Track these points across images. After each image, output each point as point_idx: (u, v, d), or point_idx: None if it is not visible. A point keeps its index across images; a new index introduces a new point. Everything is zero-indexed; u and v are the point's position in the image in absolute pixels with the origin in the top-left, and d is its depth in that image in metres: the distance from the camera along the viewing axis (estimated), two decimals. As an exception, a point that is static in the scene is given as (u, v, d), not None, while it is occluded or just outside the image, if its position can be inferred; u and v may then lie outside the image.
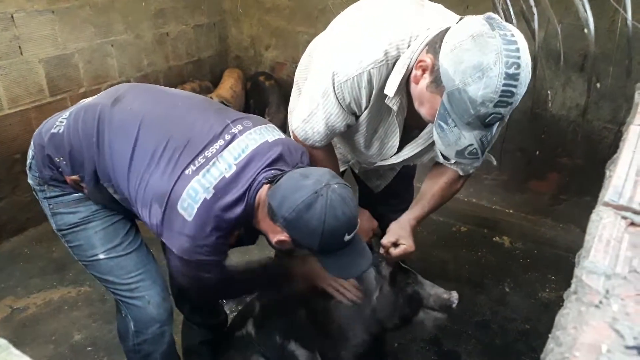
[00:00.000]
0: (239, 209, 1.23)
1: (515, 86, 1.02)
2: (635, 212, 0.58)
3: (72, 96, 2.75)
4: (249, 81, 3.55)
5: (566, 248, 2.58)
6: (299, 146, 1.41)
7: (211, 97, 3.14)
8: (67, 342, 2.09)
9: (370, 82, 1.27)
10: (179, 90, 1.58)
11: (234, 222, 1.25)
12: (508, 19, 1.91)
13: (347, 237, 1.19)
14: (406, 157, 1.51)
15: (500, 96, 1.02)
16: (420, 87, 1.17)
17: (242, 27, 3.63)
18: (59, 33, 2.61)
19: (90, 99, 1.48)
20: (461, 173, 1.53)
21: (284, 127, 1.77)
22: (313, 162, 1.46)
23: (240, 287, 1.59)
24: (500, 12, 1.91)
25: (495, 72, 1.00)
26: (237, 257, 2.43)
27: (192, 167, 1.23)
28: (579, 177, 2.65)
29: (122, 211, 1.47)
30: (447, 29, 1.12)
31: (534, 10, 1.78)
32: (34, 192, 1.51)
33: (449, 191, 1.57)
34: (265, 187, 1.23)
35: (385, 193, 1.84)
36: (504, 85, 1.00)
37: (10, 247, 2.55)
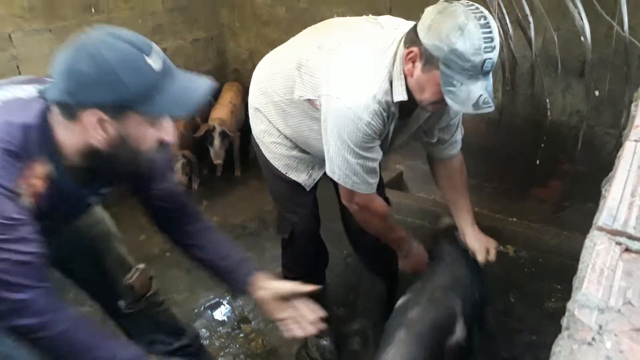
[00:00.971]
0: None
1: (491, 31, 1.20)
2: (630, 238, 0.56)
3: (71, 114, 2.75)
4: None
5: (571, 256, 2.50)
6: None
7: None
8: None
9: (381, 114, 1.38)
10: None
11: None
12: (504, 28, 1.90)
13: (153, 64, 0.98)
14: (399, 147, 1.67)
15: (484, 42, 1.19)
16: (416, 75, 1.30)
17: (240, 41, 3.63)
18: (56, 52, 2.61)
19: None
20: (454, 152, 1.72)
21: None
22: (374, 218, 1.66)
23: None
24: (496, 20, 1.90)
25: (470, 25, 1.18)
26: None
27: None
28: (582, 183, 2.62)
29: None
30: (413, 25, 1.31)
31: (530, 19, 1.77)
32: None
33: (463, 174, 1.77)
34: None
35: None
36: (483, 33, 1.18)
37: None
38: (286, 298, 1.35)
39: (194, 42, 3.44)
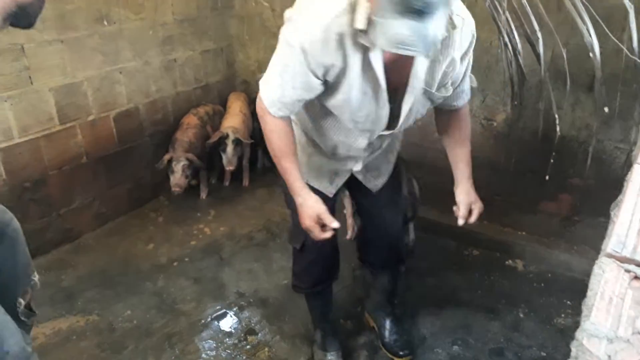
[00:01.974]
0: None
1: None
2: (639, 265, 0.55)
3: (81, 124, 2.78)
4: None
5: (581, 271, 2.51)
6: None
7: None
8: (75, 374, 2.08)
9: (340, 35, 1.26)
10: None
11: None
12: (512, 43, 1.89)
13: None
14: (405, 113, 1.48)
15: None
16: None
17: (249, 52, 3.66)
18: (68, 62, 2.64)
19: None
20: (460, 102, 1.62)
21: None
22: (271, 132, 1.50)
23: None
24: (505, 35, 1.90)
25: None
26: (247, 285, 2.43)
27: None
28: (592, 197, 2.59)
29: None
30: None
31: (539, 34, 1.77)
32: None
33: (466, 125, 1.70)
34: None
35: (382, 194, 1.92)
36: None
37: (20, 276, 2.56)
38: None
39: (203, 52, 3.47)
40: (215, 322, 2.30)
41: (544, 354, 2.14)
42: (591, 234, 2.63)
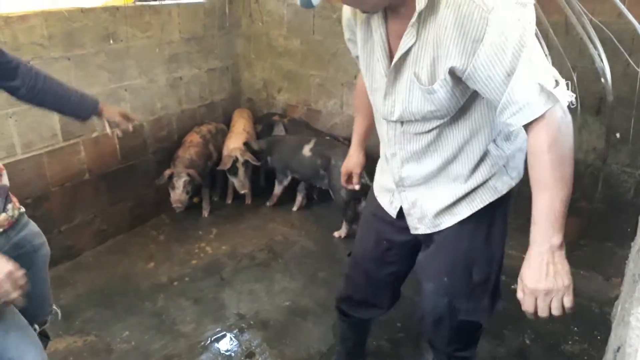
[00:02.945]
0: None
1: None
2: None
3: (85, 140, 2.77)
4: (260, 122, 3.57)
5: (589, 297, 2.47)
6: None
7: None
8: (70, 396, 2.03)
9: None
10: None
11: None
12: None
13: None
14: (400, 95, 1.28)
15: None
16: None
17: (254, 71, 3.67)
18: (74, 79, 2.64)
19: None
20: (513, 122, 1.13)
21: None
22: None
23: None
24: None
25: None
26: (247, 306, 2.37)
27: None
28: (599, 222, 2.56)
29: None
30: None
31: (548, 57, 1.76)
32: None
33: (543, 165, 1.11)
34: None
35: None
36: None
37: (18, 294, 2.52)
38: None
39: (209, 71, 3.48)
40: (215, 345, 2.25)
41: (552, 383, 2.08)
42: (598, 259, 2.59)
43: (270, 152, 3.30)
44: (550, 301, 1.11)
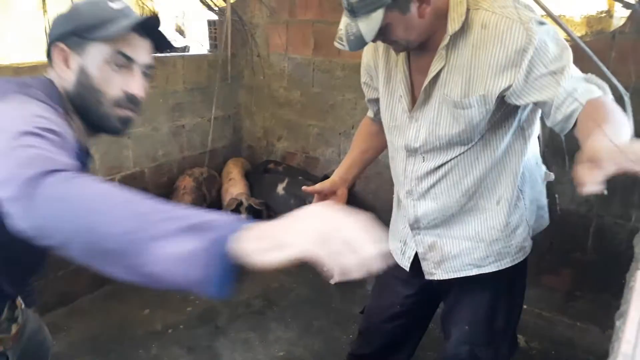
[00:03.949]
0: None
1: None
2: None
3: (87, 186, 2.82)
4: (257, 170, 3.62)
5: (585, 349, 2.45)
6: None
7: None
8: None
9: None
10: None
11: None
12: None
13: (113, 5, 1.06)
14: (427, 122, 1.32)
15: None
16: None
17: (255, 120, 3.77)
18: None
19: None
20: (574, 106, 1.12)
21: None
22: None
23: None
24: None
25: None
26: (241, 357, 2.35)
27: None
28: (594, 273, 2.57)
29: None
30: None
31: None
32: None
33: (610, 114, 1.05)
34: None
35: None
36: None
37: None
38: None
39: (211, 119, 3.58)
40: (208, 395, 2.22)
41: None
42: (594, 310, 2.58)
43: (252, 189, 3.40)
44: None
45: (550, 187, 2.35)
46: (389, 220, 1.62)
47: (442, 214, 1.41)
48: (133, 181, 3.08)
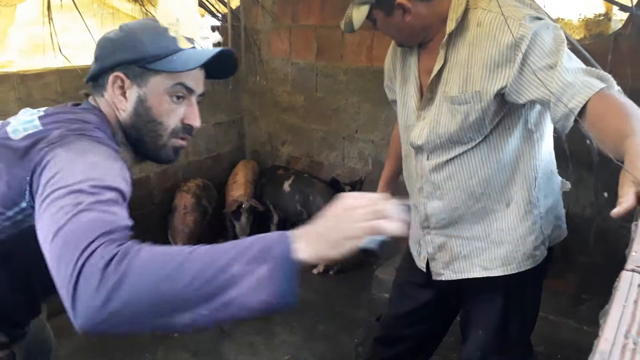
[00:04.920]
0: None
1: None
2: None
3: (93, 192, 2.84)
4: (265, 175, 3.63)
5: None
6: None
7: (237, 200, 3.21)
8: None
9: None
10: None
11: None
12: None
13: (174, 34, 0.98)
14: (430, 119, 1.36)
15: None
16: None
17: (260, 125, 3.79)
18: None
19: None
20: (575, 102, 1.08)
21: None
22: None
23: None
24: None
25: None
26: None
27: None
28: (599, 276, 2.54)
29: None
30: None
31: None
32: None
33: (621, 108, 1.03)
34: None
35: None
36: None
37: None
38: None
39: (216, 125, 3.60)
40: (213, 399, 2.22)
41: None
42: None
43: (262, 189, 3.44)
44: None
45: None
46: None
47: (450, 214, 1.42)
48: (139, 186, 3.10)
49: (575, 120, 1.08)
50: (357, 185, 3.23)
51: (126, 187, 0.85)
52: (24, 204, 0.90)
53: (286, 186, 3.30)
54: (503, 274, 1.42)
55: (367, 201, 0.73)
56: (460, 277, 1.46)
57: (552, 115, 1.14)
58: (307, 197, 3.19)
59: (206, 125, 3.51)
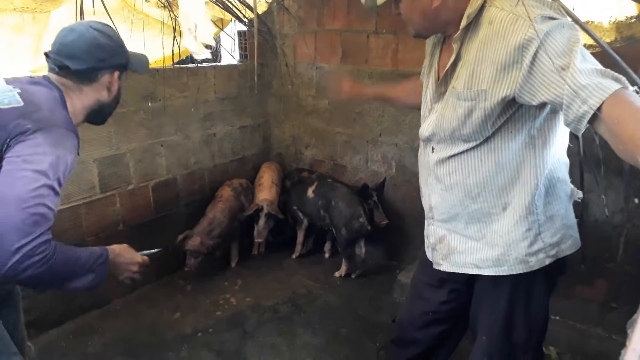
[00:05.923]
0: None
1: None
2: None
3: (121, 193, 2.92)
4: (290, 177, 3.66)
5: (621, 363, 2.36)
6: None
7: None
8: None
9: None
10: None
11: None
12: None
13: None
14: (437, 112, 1.40)
15: None
16: None
17: (284, 128, 3.83)
18: (113, 135, 2.82)
19: None
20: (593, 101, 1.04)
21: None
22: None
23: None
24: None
25: None
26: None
27: None
28: (630, 284, 2.49)
29: None
30: None
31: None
32: None
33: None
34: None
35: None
36: None
37: (48, 340, 2.59)
38: None
39: (241, 128, 3.65)
40: (235, 398, 2.25)
41: None
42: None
43: (289, 195, 3.51)
44: None
45: (584, 195, 2.31)
46: (416, 224, 1.66)
47: (448, 211, 1.46)
48: (166, 188, 3.17)
49: (589, 123, 1.06)
50: (380, 188, 3.24)
51: (67, 173, 1.33)
52: None
53: (310, 192, 3.34)
54: (495, 274, 1.42)
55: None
56: (456, 271, 1.49)
57: (565, 118, 1.11)
58: (329, 201, 3.21)
59: (232, 129, 3.56)
